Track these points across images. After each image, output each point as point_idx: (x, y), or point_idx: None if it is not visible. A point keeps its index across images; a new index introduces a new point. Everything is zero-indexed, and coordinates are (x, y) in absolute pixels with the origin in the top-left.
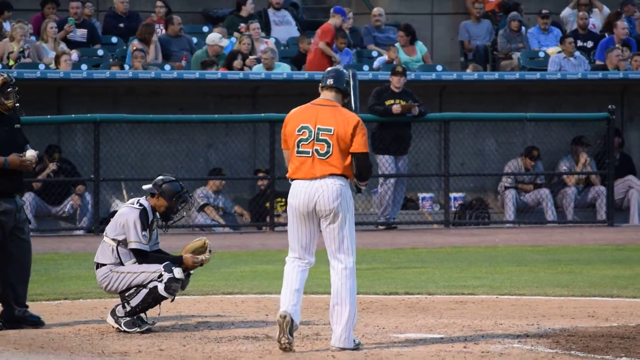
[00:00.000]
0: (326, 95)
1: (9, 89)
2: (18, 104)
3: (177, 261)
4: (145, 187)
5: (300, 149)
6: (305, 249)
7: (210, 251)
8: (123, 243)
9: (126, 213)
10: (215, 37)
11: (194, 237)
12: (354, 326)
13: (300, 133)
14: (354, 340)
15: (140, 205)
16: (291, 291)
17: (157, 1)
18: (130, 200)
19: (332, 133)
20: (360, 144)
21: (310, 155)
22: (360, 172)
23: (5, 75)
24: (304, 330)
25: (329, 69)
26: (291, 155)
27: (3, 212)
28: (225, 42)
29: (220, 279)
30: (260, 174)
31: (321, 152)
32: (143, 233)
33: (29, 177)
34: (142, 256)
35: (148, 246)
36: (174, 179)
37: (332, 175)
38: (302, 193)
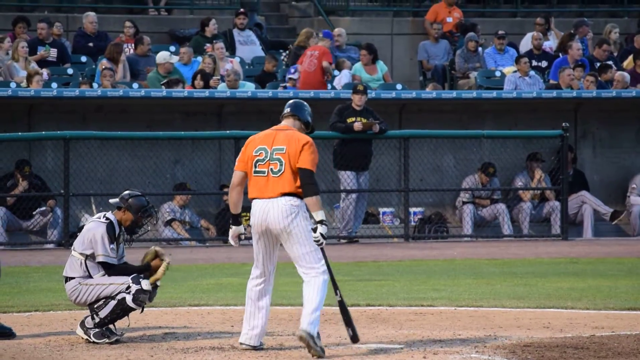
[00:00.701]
0: (286, 122)
1: None
2: None
3: (145, 271)
4: (112, 200)
5: (257, 169)
6: (264, 263)
7: (166, 255)
8: (91, 257)
9: (93, 228)
10: (165, 55)
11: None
12: (318, 323)
13: (258, 154)
14: (320, 347)
15: (107, 219)
16: (251, 313)
17: (125, 22)
18: (97, 215)
19: (284, 152)
20: (305, 160)
21: (266, 174)
22: (302, 187)
23: None
24: (267, 341)
25: (290, 101)
26: (249, 177)
27: None
28: (174, 59)
29: (186, 291)
30: (226, 189)
31: (275, 170)
32: (111, 246)
33: (1, 192)
34: (109, 269)
35: (115, 259)
36: (140, 193)
37: (284, 194)
38: (257, 212)
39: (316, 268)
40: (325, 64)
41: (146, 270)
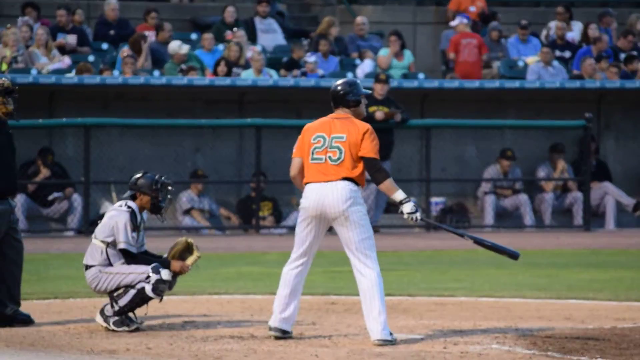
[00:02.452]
0: (338, 110)
1: (12, 95)
2: (16, 112)
3: (165, 263)
4: (124, 195)
5: (314, 156)
6: (308, 249)
7: (197, 249)
8: (112, 244)
9: (116, 215)
10: (174, 46)
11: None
12: (386, 322)
13: (315, 141)
14: (390, 334)
15: (129, 207)
16: (282, 296)
17: (151, 12)
18: (118, 203)
19: (344, 140)
20: (368, 149)
21: (324, 161)
22: (372, 177)
23: (8, 81)
24: None
25: (331, 90)
26: (305, 164)
27: None
28: (185, 49)
29: (206, 279)
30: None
31: (333, 158)
32: (132, 235)
33: (22, 179)
34: (130, 257)
35: (135, 247)
36: (143, 172)
37: (344, 178)
38: (313, 194)
39: (371, 257)
40: (485, 56)
41: (166, 265)
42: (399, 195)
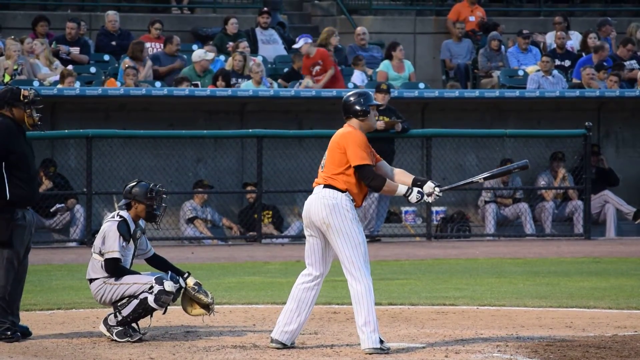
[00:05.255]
0: (347, 121)
1: (38, 105)
2: (40, 122)
3: (179, 274)
4: (119, 204)
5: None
6: (313, 262)
7: (210, 310)
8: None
9: (108, 226)
10: (200, 53)
11: (183, 249)
12: (376, 329)
13: None
14: (388, 348)
15: (121, 217)
16: (288, 310)
17: (155, 23)
18: (111, 214)
19: (331, 147)
20: (352, 157)
21: (320, 170)
22: (368, 187)
23: (33, 92)
24: None
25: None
26: None
27: (26, 223)
28: (210, 56)
29: (208, 289)
30: (249, 187)
31: (322, 164)
32: (122, 244)
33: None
34: (115, 263)
35: (119, 253)
36: (137, 180)
37: (326, 186)
38: (306, 203)
39: (357, 266)
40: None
41: (176, 278)
42: (401, 191)
